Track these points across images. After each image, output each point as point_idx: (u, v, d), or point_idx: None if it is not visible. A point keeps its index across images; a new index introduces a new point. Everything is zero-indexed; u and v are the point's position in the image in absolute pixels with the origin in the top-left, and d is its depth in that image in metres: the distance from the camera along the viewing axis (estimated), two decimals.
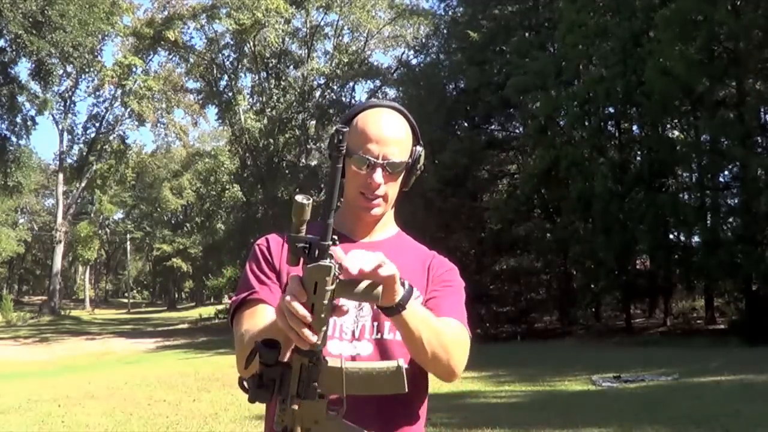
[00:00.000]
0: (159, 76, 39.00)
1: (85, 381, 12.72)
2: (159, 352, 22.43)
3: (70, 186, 43.28)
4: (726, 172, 18.84)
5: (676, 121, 20.18)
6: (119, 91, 38.83)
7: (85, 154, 41.87)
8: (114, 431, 7.48)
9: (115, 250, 62.64)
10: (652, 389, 9.36)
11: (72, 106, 41.70)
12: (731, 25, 16.17)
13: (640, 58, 18.02)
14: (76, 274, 59.69)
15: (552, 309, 23.67)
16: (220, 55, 35.16)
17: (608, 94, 18.87)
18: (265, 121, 33.03)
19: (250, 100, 35.64)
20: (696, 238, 18.79)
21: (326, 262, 1.10)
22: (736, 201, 18.40)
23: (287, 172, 33.69)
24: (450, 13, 28.10)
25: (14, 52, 31.68)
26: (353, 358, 1.35)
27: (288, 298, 1.11)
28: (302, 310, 1.10)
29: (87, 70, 37.56)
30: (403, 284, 1.21)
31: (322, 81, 34.44)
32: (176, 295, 61.43)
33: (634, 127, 21.80)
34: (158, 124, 42.20)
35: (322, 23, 35.43)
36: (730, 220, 18.30)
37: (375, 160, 1.41)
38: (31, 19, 29.26)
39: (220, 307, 36.08)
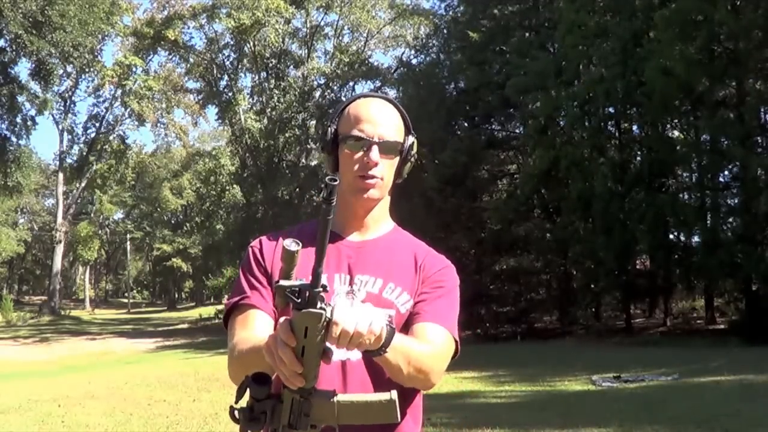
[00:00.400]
0: (159, 76, 39.00)
1: (85, 381, 12.72)
2: (159, 352, 22.44)
3: (70, 186, 43.28)
4: (726, 172, 18.86)
5: (676, 121, 20.18)
6: (119, 91, 38.85)
7: (85, 154, 41.87)
8: (114, 431, 7.48)
9: (115, 250, 62.64)
10: (652, 389, 9.36)
11: (72, 106, 41.76)
12: (731, 25, 16.17)
13: (640, 58, 18.01)
14: (76, 274, 59.67)
15: (552, 309, 23.68)
16: (220, 55, 35.17)
17: (608, 94, 18.86)
18: (265, 121, 33.02)
19: (250, 100, 35.63)
20: (696, 238, 18.81)
21: (318, 309, 1.10)
22: (736, 201, 18.40)
23: (287, 172, 33.69)
24: (450, 12, 28.13)
25: (14, 52, 31.67)
26: (343, 363, 1.36)
27: (278, 345, 1.12)
28: (291, 360, 1.11)
29: (87, 70, 37.56)
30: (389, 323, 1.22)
31: (322, 81, 34.45)
32: (176, 295, 61.44)
33: (634, 127, 21.81)
34: (158, 124, 42.26)
35: (322, 23, 35.47)
36: (730, 220, 18.31)
37: (370, 138, 1.41)
38: (31, 19, 29.25)
39: (220, 307, 36.08)
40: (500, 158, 26.91)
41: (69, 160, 42.86)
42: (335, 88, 34.51)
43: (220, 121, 37.26)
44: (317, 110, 33.28)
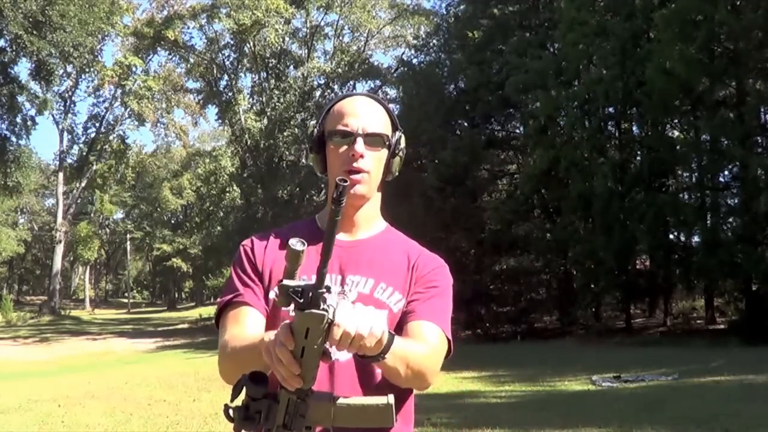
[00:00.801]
0: (159, 76, 39.00)
1: (85, 381, 12.73)
2: (159, 352, 22.45)
3: (70, 186, 43.27)
4: (726, 172, 18.85)
5: (676, 120, 20.18)
6: (119, 91, 38.85)
7: (85, 154, 41.88)
8: (114, 431, 7.48)
9: (115, 250, 62.63)
10: (652, 389, 9.36)
11: (72, 106, 41.76)
12: (731, 25, 16.16)
13: (639, 58, 18.01)
14: (76, 274, 59.68)
15: (552, 309, 23.68)
16: (220, 55, 35.17)
17: (608, 94, 18.86)
18: (265, 121, 33.02)
19: (250, 100, 35.64)
20: (696, 238, 18.80)
21: (320, 310, 1.10)
22: (736, 201, 18.40)
23: (287, 172, 33.69)
24: (451, 11, 28.12)
25: (14, 52, 31.67)
26: (331, 363, 1.34)
27: (277, 346, 1.12)
28: (289, 361, 1.11)
29: (87, 70, 37.55)
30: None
31: (322, 81, 34.45)
32: (176, 295, 61.45)
33: (634, 127, 21.80)
34: (158, 124, 42.30)
35: (322, 23, 35.47)
36: (730, 220, 18.30)
37: (354, 131, 1.41)
38: (31, 19, 29.25)
39: None
40: (500, 158, 26.91)
41: (69, 160, 42.88)
42: (335, 87, 34.51)
43: (220, 121, 37.29)
44: (317, 110, 33.25)
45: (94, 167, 41.60)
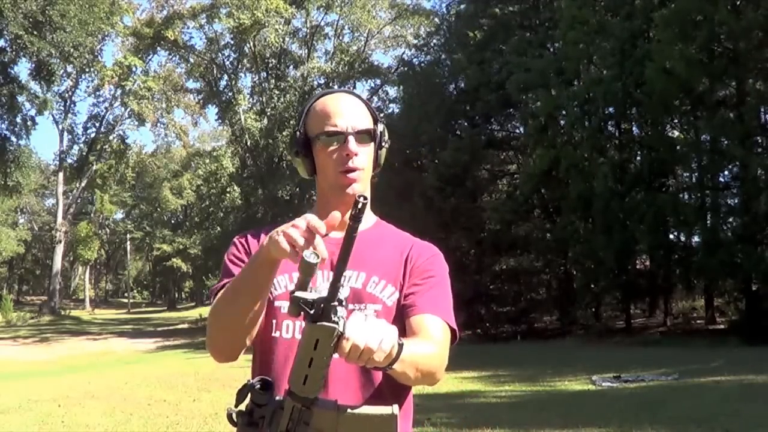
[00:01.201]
0: (159, 76, 39.02)
1: (85, 381, 12.73)
2: (159, 352, 22.46)
3: (70, 186, 43.29)
4: (726, 172, 18.85)
5: (676, 120, 20.18)
6: (119, 91, 38.87)
7: (85, 154, 41.89)
8: (114, 431, 7.48)
9: (115, 250, 62.64)
10: (652, 389, 9.36)
11: (72, 106, 41.81)
12: (731, 25, 16.16)
13: (639, 58, 18.01)
14: (76, 274, 59.68)
15: (552, 309, 23.68)
16: (220, 55, 35.17)
17: (608, 94, 18.86)
18: (265, 121, 33.03)
19: (250, 100, 35.64)
20: (696, 238, 18.80)
21: (330, 323, 1.10)
22: (736, 201, 18.40)
23: (287, 172, 33.70)
24: (452, 11, 28.12)
25: (14, 52, 31.68)
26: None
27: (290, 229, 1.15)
28: (315, 221, 1.15)
29: (87, 70, 37.56)
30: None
31: (322, 81, 34.45)
32: (176, 295, 61.45)
33: (634, 127, 21.80)
34: (158, 124, 42.32)
35: (322, 23, 35.48)
36: (730, 220, 18.29)
37: (344, 130, 1.41)
38: (31, 20, 29.26)
39: None
40: (500, 158, 26.91)
41: (69, 160, 42.90)
42: (335, 87, 34.52)
43: (220, 121, 37.30)
44: None
45: (94, 167, 41.60)
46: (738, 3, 17.01)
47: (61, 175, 41.86)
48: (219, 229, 40.00)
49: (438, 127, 24.09)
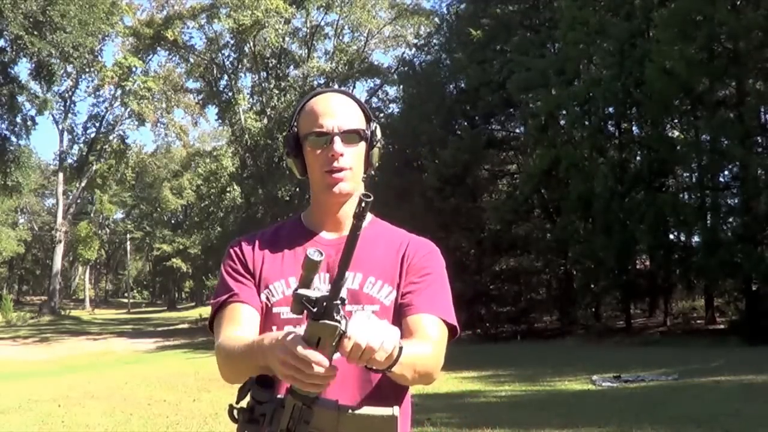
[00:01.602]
0: (159, 76, 39.03)
1: (85, 381, 12.73)
2: (159, 352, 22.46)
3: (70, 186, 43.30)
4: (726, 172, 18.84)
5: (676, 120, 20.17)
6: (119, 92, 38.86)
7: (85, 154, 41.89)
8: (114, 431, 7.48)
9: (115, 250, 62.65)
10: (652, 389, 9.36)
11: (72, 106, 41.81)
12: (731, 24, 16.16)
13: (639, 58, 18.01)
14: (76, 274, 59.71)
15: (552, 309, 23.67)
16: (220, 55, 35.17)
17: (608, 94, 18.86)
18: (265, 120, 33.03)
19: (250, 100, 35.64)
20: (696, 238, 18.78)
21: (334, 321, 1.11)
22: (736, 201, 18.39)
23: (287, 172, 33.69)
24: (451, 10, 28.12)
25: (14, 53, 31.69)
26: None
27: (298, 348, 1.11)
28: (319, 357, 1.11)
29: (87, 70, 37.58)
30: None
31: (322, 80, 34.45)
32: (176, 295, 61.47)
33: (634, 127, 21.79)
34: (158, 124, 42.32)
35: (322, 23, 35.47)
36: (730, 220, 18.28)
37: (330, 131, 1.40)
38: (31, 20, 29.26)
39: None
40: (500, 158, 26.90)
41: (69, 160, 42.90)
42: (335, 87, 34.49)
43: (220, 121, 37.30)
44: None
45: (94, 167, 41.61)
46: (738, 3, 17.01)
47: (61, 175, 41.86)
48: (219, 229, 40.03)
49: (438, 126, 24.08)
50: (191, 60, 36.24)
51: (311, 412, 1.17)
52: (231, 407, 1.22)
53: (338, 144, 1.40)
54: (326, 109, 1.43)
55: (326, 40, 36.25)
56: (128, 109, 39.36)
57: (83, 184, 42.35)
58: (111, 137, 41.82)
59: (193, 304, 54.88)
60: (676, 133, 20.42)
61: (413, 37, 33.16)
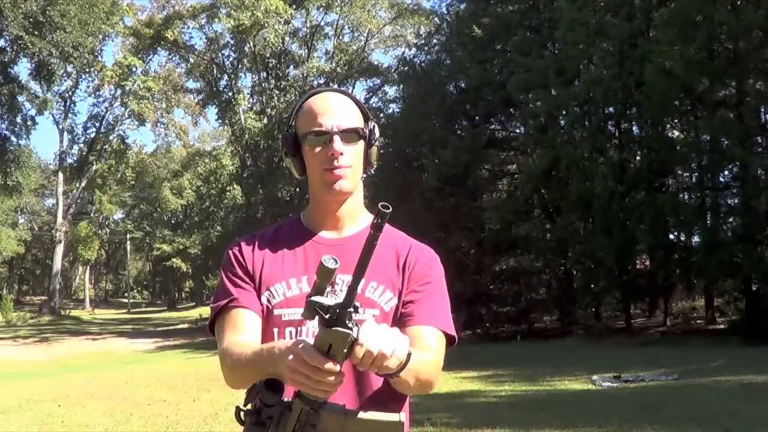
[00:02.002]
0: (159, 76, 39.02)
1: (85, 381, 12.74)
2: (159, 352, 22.47)
3: (70, 186, 43.29)
4: (726, 172, 18.83)
5: (676, 121, 20.17)
6: (119, 92, 38.86)
7: (85, 154, 41.89)
8: (114, 431, 7.48)
9: (115, 250, 62.64)
10: (652, 389, 9.36)
11: (72, 106, 41.78)
12: (731, 25, 16.16)
13: (639, 58, 18.01)
14: (76, 274, 59.70)
15: (552, 309, 23.67)
16: (220, 55, 35.18)
17: (608, 94, 18.86)
18: (265, 120, 33.03)
19: (250, 100, 35.64)
20: (696, 238, 18.77)
21: (347, 329, 1.11)
22: (736, 201, 18.39)
23: (287, 172, 33.69)
24: (451, 10, 28.12)
25: (14, 53, 31.69)
26: None
27: (309, 355, 1.11)
28: (329, 364, 1.11)
29: (87, 70, 37.56)
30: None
31: (322, 80, 34.45)
32: (176, 295, 61.45)
33: (634, 127, 21.79)
34: (158, 124, 42.29)
35: (322, 23, 35.47)
36: (730, 220, 18.28)
37: (329, 130, 1.40)
38: (31, 20, 29.26)
39: None
40: (500, 158, 26.90)
41: (69, 160, 42.89)
42: (335, 87, 34.47)
43: (220, 121, 37.30)
44: None
45: (94, 167, 41.60)
46: (738, 3, 17.00)
47: (61, 175, 41.85)
48: (219, 228, 40.05)
49: (438, 126, 24.08)
50: (191, 60, 36.24)
51: (318, 416, 1.18)
52: (238, 409, 1.22)
53: (338, 143, 1.40)
54: (325, 108, 1.43)
55: (326, 40, 36.27)
56: (128, 109, 39.35)
57: (83, 184, 42.35)
58: (111, 137, 41.82)
59: (193, 304, 54.85)
60: (676, 133, 20.42)
61: (413, 37, 33.13)
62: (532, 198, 22.77)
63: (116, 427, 7.61)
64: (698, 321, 20.00)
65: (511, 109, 24.28)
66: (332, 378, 1.12)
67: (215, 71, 35.72)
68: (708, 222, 17.87)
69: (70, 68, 36.52)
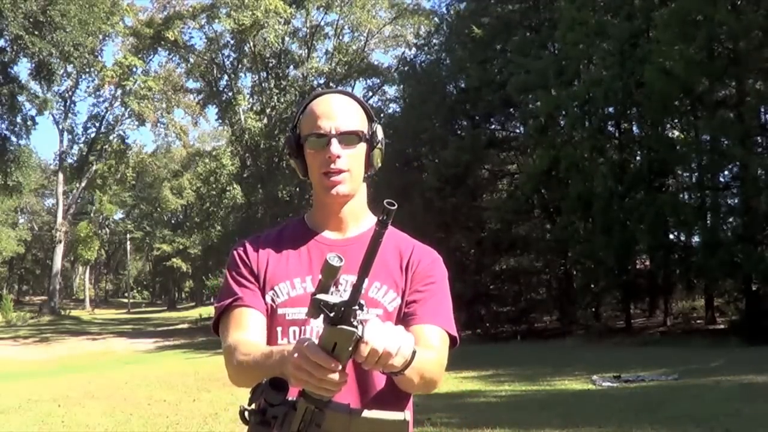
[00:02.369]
0: (159, 76, 39.02)
1: (85, 381, 12.74)
2: (159, 352, 22.46)
3: (70, 186, 43.28)
4: (726, 172, 18.83)
5: (676, 121, 20.17)
6: (119, 91, 38.86)
7: (85, 154, 41.88)
8: (114, 431, 7.48)
9: (115, 250, 62.64)
10: (652, 389, 9.36)
11: (72, 106, 41.77)
12: (731, 25, 16.16)
13: (639, 58, 18.01)
14: (76, 274, 59.70)
15: (552, 309, 23.67)
16: (220, 55, 35.20)
17: (608, 95, 18.86)
18: (265, 120, 33.04)
19: (250, 100, 35.66)
20: (696, 238, 18.77)
21: (352, 327, 1.11)
22: (736, 201, 18.38)
23: (287, 172, 33.72)
24: (451, 10, 28.14)
25: (14, 53, 31.69)
26: None
27: (313, 353, 1.11)
28: (333, 363, 1.11)
29: (87, 70, 37.57)
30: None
31: (322, 80, 34.47)
32: (176, 295, 61.46)
33: (634, 127, 21.80)
34: (158, 124, 42.24)
35: (322, 23, 35.48)
36: (730, 220, 18.28)
37: (328, 132, 1.40)
38: (31, 20, 29.27)
39: None
40: (500, 158, 26.91)
41: (69, 160, 42.87)
42: (335, 87, 34.50)
43: (220, 121, 37.34)
44: None
45: (94, 167, 41.59)
46: (738, 3, 17.01)
47: (61, 175, 41.84)
48: (219, 228, 40.03)
49: (438, 126, 24.08)
50: (191, 60, 36.26)
51: (323, 415, 1.17)
52: (242, 409, 1.22)
53: (335, 146, 1.40)
54: (325, 110, 1.43)
55: (326, 40, 36.30)
56: (128, 109, 39.34)
57: (83, 184, 42.35)
58: (111, 137, 41.79)
59: (193, 304, 54.85)
60: (676, 133, 20.42)
61: (413, 37, 33.14)
62: (532, 198, 22.77)
63: (116, 427, 7.61)
64: (698, 321, 20.00)
65: (511, 110, 24.28)
66: (336, 376, 1.12)
67: (215, 71, 35.74)
68: (708, 222, 17.87)
69: (70, 68, 36.53)
